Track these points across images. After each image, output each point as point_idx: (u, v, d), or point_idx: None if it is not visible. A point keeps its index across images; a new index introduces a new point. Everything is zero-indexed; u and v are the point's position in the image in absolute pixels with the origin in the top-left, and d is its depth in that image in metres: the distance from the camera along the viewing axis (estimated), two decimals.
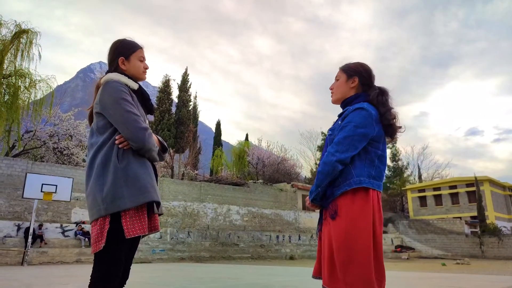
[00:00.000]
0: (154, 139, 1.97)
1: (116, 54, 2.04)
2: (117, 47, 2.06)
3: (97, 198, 1.77)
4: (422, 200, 39.57)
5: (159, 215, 2.00)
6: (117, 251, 1.76)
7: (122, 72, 2.02)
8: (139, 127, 1.82)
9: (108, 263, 1.75)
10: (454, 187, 37.48)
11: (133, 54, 2.06)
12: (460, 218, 33.59)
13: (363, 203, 1.88)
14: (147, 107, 2.09)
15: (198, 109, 37.86)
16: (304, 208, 29.72)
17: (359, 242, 1.82)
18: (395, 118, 2.04)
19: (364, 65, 2.18)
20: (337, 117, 2.16)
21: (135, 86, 2.00)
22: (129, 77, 2.02)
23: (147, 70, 2.13)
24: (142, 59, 2.10)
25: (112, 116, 1.84)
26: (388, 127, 2.01)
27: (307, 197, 2.08)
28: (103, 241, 1.72)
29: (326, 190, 1.97)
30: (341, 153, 1.90)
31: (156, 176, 2.00)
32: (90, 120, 2.01)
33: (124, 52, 2.04)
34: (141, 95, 2.04)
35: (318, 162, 48.28)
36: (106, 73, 2.05)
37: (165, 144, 2.11)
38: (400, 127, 2.05)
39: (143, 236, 1.89)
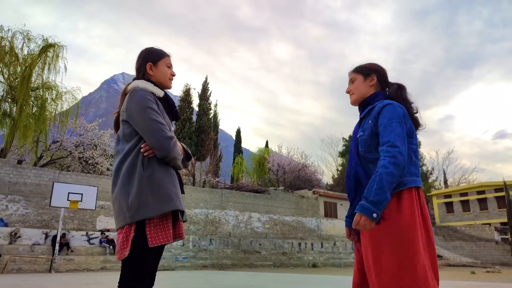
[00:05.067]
0: (179, 147, 1.99)
1: (144, 60, 2.08)
2: (146, 54, 2.10)
3: (123, 206, 1.79)
4: (449, 206, 38.40)
5: (183, 222, 2.01)
6: (143, 258, 1.77)
7: (149, 79, 2.05)
8: (164, 136, 1.84)
9: (135, 271, 1.76)
10: (482, 192, 36.20)
11: (161, 60, 2.10)
12: (489, 224, 32.40)
13: (409, 204, 1.80)
14: (173, 114, 2.11)
15: (219, 117, 38.11)
16: (327, 215, 29.35)
17: (411, 243, 1.74)
18: (417, 112, 2.04)
19: (377, 64, 2.19)
20: (361, 117, 2.10)
21: (160, 93, 2.02)
22: (156, 84, 2.05)
23: (173, 78, 2.16)
24: (169, 66, 2.14)
25: (138, 125, 1.86)
26: (412, 121, 2.00)
27: (361, 216, 1.72)
28: (127, 249, 1.74)
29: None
30: (405, 149, 1.79)
31: (182, 184, 2.01)
32: (116, 126, 2.04)
33: (152, 58, 2.08)
34: (167, 102, 2.07)
35: (339, 168, 47.48)
36: (133, 80, 2.08)
37: (189, 151, 2.13)
38: (421, 124, 2.05)
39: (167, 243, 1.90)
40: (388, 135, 1.82)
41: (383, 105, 1.93)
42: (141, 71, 2.07)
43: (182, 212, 1.91)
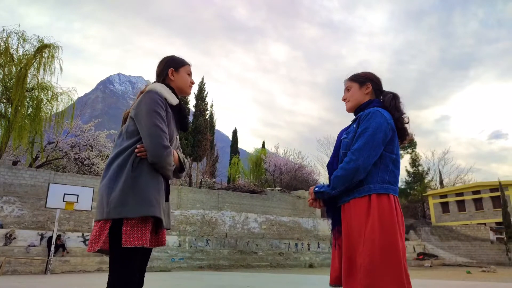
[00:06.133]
0: (175, 156, 2.01)
1: (166, 66, 2.16)
2: (168, 60, 2.20)
3: (104, 200, 1.81)
4: (444, 206, 38.55)
5: (167, 229, 2.03)
6: (129, 258, 1.78)
7: (169, 84, 2.12)
8: (161, 143, 1.87)
9: (122, 270, 1.78)
10: (478, 192, 36.38)
11: (183, 68, 2.19)
12: (485, 224, 32.56)
13: (376, 209, 1.89)
14: (182, 124, 2.16)
15: (215, 118, 38.11)
16: (323, 215, 29.38)
17: (385, 245, 1.82)
18: (408, 123, 2.13)
19: (372, 73, 2.29)
20: (351, 122, 2.20)
21: (174, 101, 2.06)
22: (174, 90, 2.11)
23: (192, 85, 2.25)
24: (189, 73, 2.23)
25: (141, 125, 1.91)
26: (400, 130, 2.09)
27: (310, 189, 2.11)
28: (98, 244, 1.76)
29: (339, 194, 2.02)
30: (364, 160, 1.92)
31: (168, 192, 2.02)
32: (124, 122, 2.08)
33: (174, 65, 2.18)
34: (179, 111, 2.10)
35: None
36: (152, 83, 2.12)
37: (185, 164, 2.14)
38: (409, 134, 2.13)
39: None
40: (356, 143, 1.96)
41: (367, 113, 2.03)
42: (162, 76, 2.14)
43: (160, 221, 1.90)
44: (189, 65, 2.23)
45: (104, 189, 1.84)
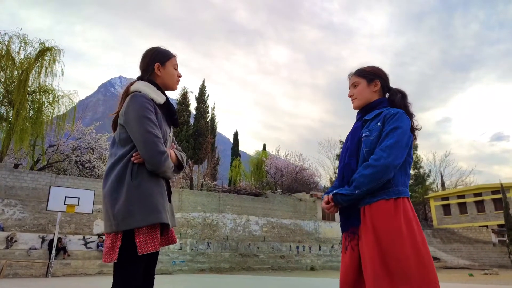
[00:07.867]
0: (172, 156, 1.97)
1: (152, 60, 2.02)
2: (154, 53, 2.04)
3: (109, 213, 1.78)
4: (446, 209, 38.47)
5: (173, 227, 2.00)
6: (134, 266, 1.77)
7: (154, 81, 2.01)
8: (157, 150, 1.81)
9: (126, 278, 1.76)
10: (479, 194, 36.31)
11: (169, 61, 2.05)
12: (487, 226, 32.47)
13: (402, 212, 1.83)
14: (173, 121, 2.07)
15: (216, 120, 38.12)
16: (324, 218, 29.32)
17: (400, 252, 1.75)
18: (419, 129, 2.07)
19: (380, 68, 2.18)
20: (362, 120, 2.08)
21: (161, 100, 1.96)
22: (159, 87, 2.00)
23: (180, 79, 2.12)
24: (176, 67, 2.10)
25: (133, 133, 1.84)
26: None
27: (325, 196, 1.98)
28: (114, 256, 1.74)
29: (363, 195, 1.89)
30: (394, 158, 1.84)
31: (170, 193, 1.99)
32: (114, 125, 2.00)
33: (160, 59, 2.03)
34: (167, 109, 2.01)
35: (336, 171, 47.38)
36: (137, 79, 2.02)
37: (183, 160, 2.08)
38: (415, 137, 2.07)
39: None
40: (386, 141, 1.88)
41: (395, 112, 1.96)
42: (148, 72, 2.01)
43: (168, 225, 1.88)
44: (175, 57, 2.09)
45: (107, 201, 1.81)
